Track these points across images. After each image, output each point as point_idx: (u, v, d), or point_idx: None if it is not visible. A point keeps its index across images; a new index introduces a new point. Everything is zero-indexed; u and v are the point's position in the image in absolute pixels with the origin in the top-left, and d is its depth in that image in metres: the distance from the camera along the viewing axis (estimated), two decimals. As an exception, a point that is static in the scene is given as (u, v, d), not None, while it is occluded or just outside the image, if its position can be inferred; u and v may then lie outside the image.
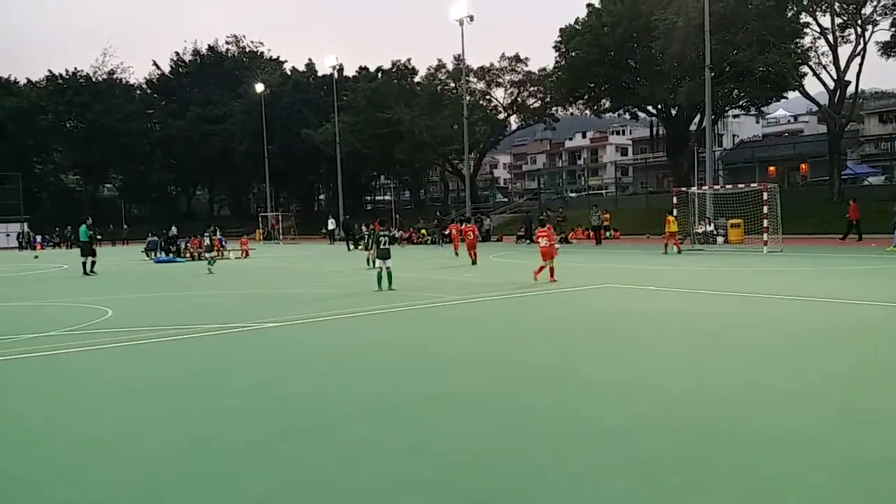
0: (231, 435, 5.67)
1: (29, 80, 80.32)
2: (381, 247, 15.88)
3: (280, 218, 61.97)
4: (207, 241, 26.00)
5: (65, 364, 9.03)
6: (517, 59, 60.63)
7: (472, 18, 46.70)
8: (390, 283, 15.68)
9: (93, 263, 24.06)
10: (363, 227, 37.82)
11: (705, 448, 4.99)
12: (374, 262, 16.53)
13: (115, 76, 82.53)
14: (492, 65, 61.30)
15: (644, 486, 4.35)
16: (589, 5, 48.66)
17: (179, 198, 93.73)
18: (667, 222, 26.76)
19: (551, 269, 16.53)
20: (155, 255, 34.79)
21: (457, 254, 27.16)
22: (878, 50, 36.75)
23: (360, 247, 32.96)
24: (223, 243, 36.94)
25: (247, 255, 34.65)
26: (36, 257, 41.15)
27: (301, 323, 11.67)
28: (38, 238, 59.72)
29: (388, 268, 15.75)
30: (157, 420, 6.20)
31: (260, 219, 66.02)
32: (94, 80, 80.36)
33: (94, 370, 8.63)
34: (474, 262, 23.07)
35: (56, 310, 14.80)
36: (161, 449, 5.37)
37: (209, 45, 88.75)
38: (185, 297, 16.92)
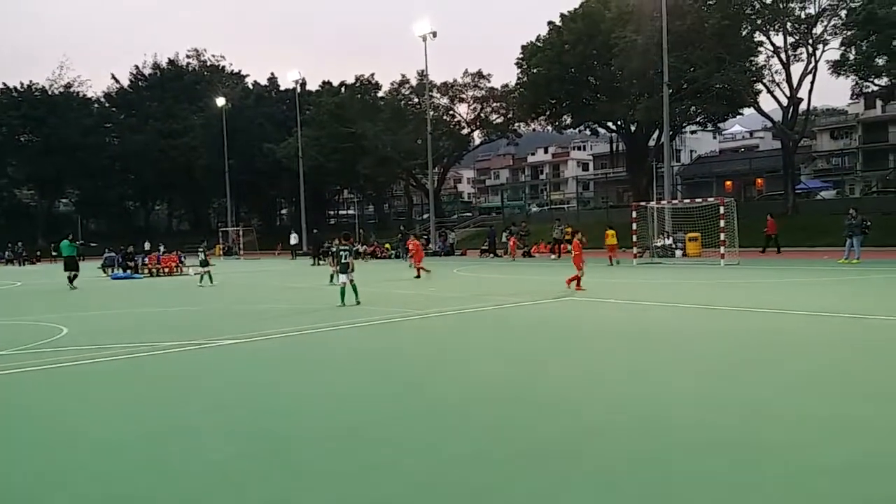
0: (189, 455, 5.55)
1: (-18, 93, 78.42)
2: (343, 261, 15.83)
3: (241, 233, 61.30)
4: (202, 256, 26.07)
5: (14, 385, 8.75)
6: (480, 75, 61.20)
7: (435, 35, 47.10)
8: (356, 296, 15.68)
9: (74, 277, 25.12)
10: (326, 243, 37.74)
11: (670, 458, 5.03)
12: (337, 278, 16.46)
13: (72, 89, 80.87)
14: (455, 80, 61.78)
15: (610, 498, 4.37)
16: (550, 23, 49.39)
17: (138, 213, 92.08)
18: (606, 236, 28.64)
19: (577, 279, 17.36)
20: (112, 271, 34.12)
21: (410, 266, 28.12)
22: (829, 68, 37.89)
23: (323, 262, 32.89)
24: (182, 259, 36.41)
25: (207, 270, 34.08)
26: None
27: (263, 339, 11.51)
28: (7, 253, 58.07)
29: (351, 281, 15.75)
30: (109, 441, 6.02)
31: (220, 233, 65.24)
32: (50, 93, 78.68)
33: (45, 390, 8.37)
34: (418, 275, 24.01)
35: (7, 328, 14.35)
36: (115, 469, 5.23)
37: (169, 58, 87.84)
38: (144, 313, 16.59)
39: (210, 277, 24.40)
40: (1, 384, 8.75)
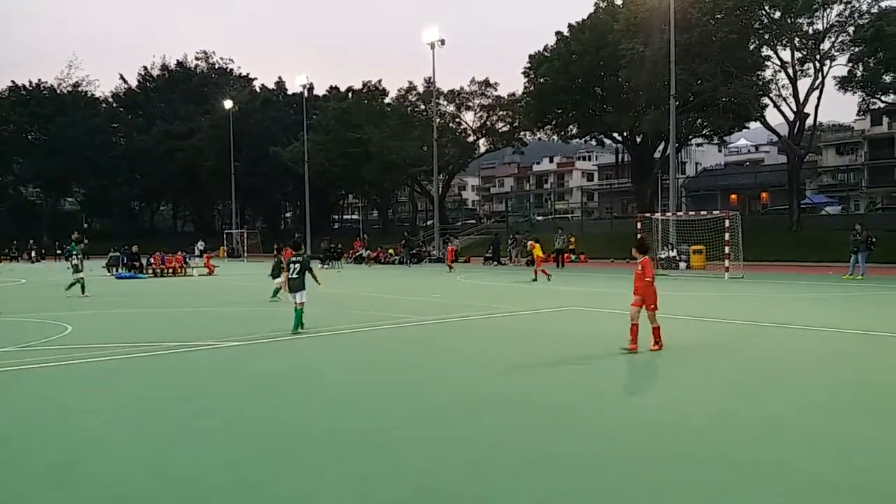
0: (194, 457, 5.58)
1: (-10, 91, 78.72)
2: (292, 276, 12.67)
3: (245, 235, 61.37)
4: (74, 260, 21.92)
5: (20, 382, 8.78)
6: (487, 83, 61.24)
7: (443, 42, 47.16)
8: (299, 322, 12.43)
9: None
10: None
11: (674, 474, 5.04)
12: (287, 296, 13.39)
13: (80, 89, 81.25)
14: (462, 88, 61.84)
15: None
16: (558, 33, 49.49)
17: (143, 213, 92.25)
18: (532, 247, 26.90)
19: (654, 330, 10.19)
20: (117, 270, 34.20)
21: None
22: (836, 84, 37.89)
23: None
24: (186, 259, 36.54)
25: (211, 271, 34.21)
26: None
27: (265, 342, 11.54)
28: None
29: (301, 303, 12.45)
30: (115, 442, 6.05)
31: (224, 236, 65.31)
32: (58, 92, 79.01)
33: (50, 389, 8.39)
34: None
35: (13, 325, 14.39)
36: (119, 471, 5.25)
37: (178, 60, 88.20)
38: (147, 313, 16.61)
39: (82, 287, 20.58)
40: (5, 381, 8.78)
